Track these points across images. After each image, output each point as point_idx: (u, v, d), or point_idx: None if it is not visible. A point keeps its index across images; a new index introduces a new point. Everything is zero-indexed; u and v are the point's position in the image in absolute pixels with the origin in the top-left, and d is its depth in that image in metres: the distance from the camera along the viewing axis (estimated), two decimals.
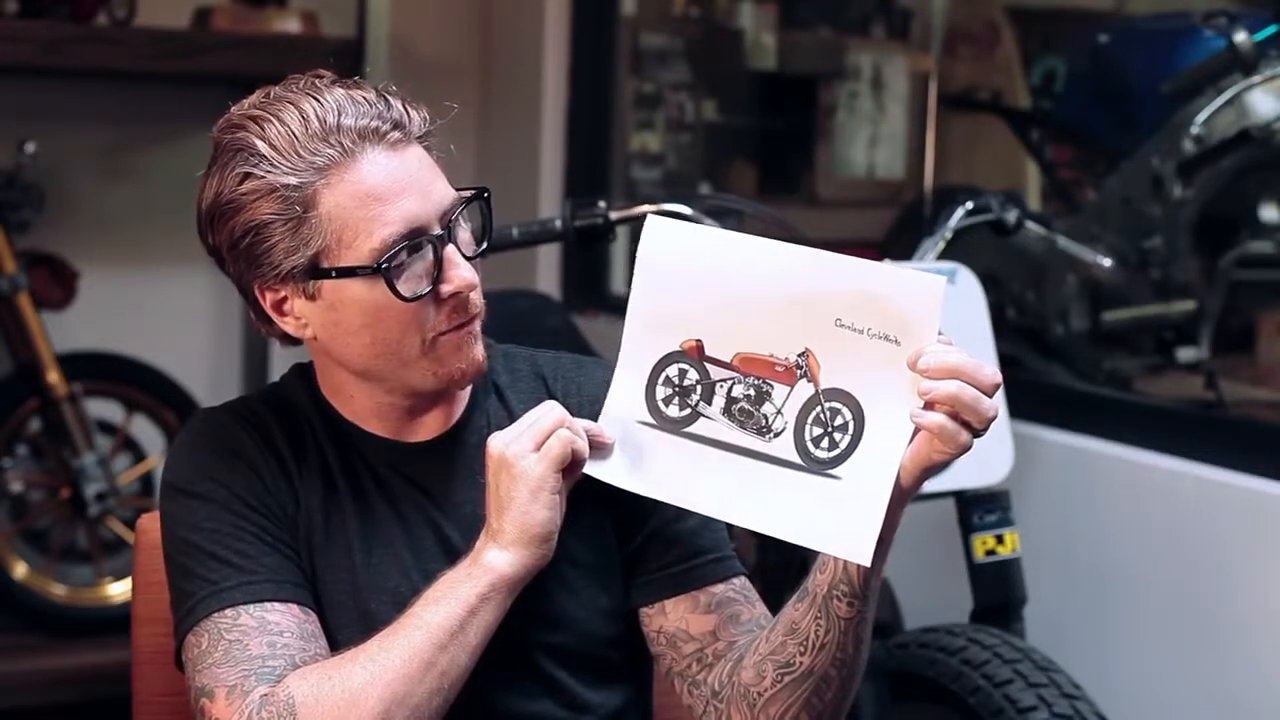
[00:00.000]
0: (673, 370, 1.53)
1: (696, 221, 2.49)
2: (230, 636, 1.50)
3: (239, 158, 1.50)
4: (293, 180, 1.49)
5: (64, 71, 3.50)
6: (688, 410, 1.53)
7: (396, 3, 3.61)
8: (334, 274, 1.51)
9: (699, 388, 1.52)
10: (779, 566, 2.53)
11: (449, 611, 1.49)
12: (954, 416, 1.38)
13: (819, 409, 1.45)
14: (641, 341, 1.55)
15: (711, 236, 1.54)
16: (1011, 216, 2.58)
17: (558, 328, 3.20)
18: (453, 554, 1.56)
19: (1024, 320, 3.36)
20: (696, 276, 1.51)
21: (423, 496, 1.61)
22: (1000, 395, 2.44)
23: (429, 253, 1.51)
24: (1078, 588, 2.75)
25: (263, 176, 1.49)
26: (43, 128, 3.54)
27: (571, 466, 1.53)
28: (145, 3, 3.48)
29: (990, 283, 2.66)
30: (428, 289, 1.51)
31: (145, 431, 3.63)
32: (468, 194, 1.56)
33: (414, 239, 1.50)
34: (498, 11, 4.03)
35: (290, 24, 3.62)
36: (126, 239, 3.77)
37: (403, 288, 1.50)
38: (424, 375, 1.56)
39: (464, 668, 1.50)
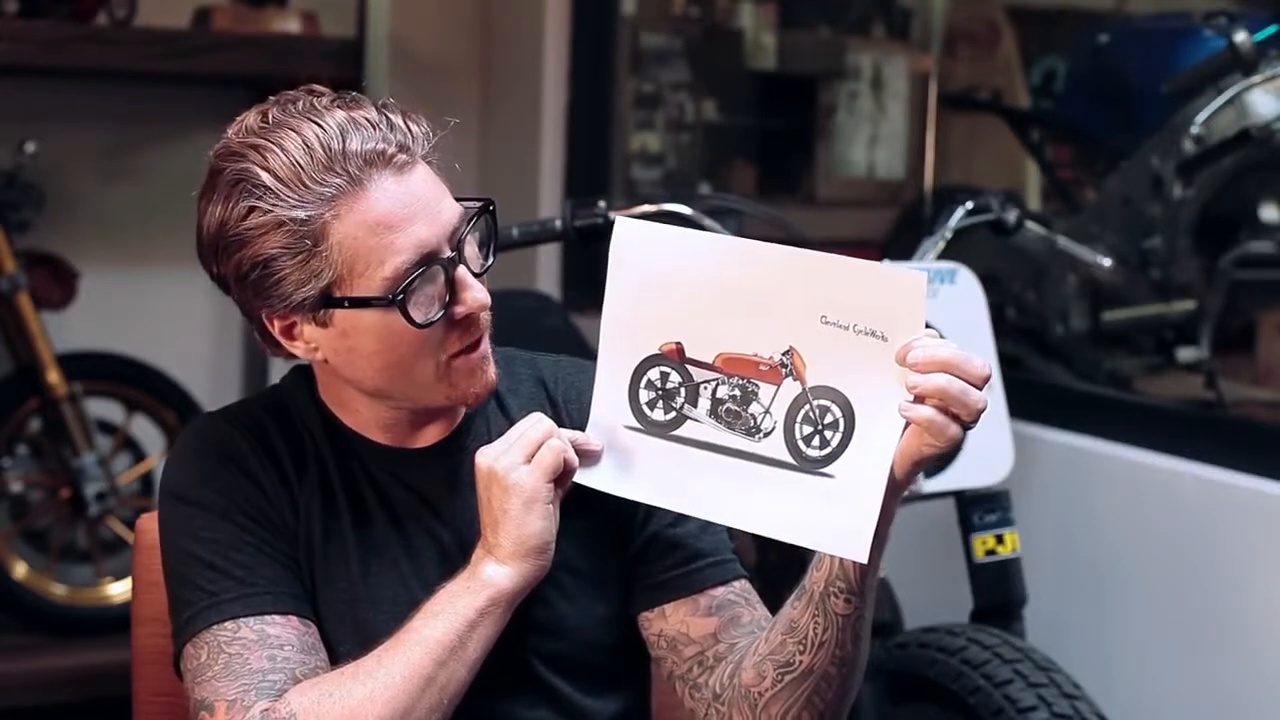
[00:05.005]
0: (654, 373, 1.53)
1: (697, 222, 2.49)
2: (230, 649, 1.50)
3: (241, 189, 1.48)
4: (301, 214, 1.46)
5: (64, 71, 3.50)
6: (673, 413, 1.52)
7: (396, 3, 3.61)
8: (346, 304, 1.49)
9: (682, 390, 1.51)
10: (779, 566, 2.53)
11: (448, 627, 1.49)
12: (943, 410, 1.38)
13: (808, 407, 1.45)
14: (619, 346, 1.54)
15: (683, 236, 1.52)
16: (1011, 216, 2.58)
17: (558, 328, 3.21)
18: (451, 562, 1.56)
19: (1024, 320, 3.36)
20: (671, 277, 1.50)
21: (421, 504, 1.60)
22: (997, 393, 2.47)
23: (440, 276, 1.50)
24: (1078, 588, 2.75)
25: (270, 210, 1.46)
26: (43, 128, 3.54)
27: (562, 476, 1.52)
28: (145, 3, 3.48)
29: (990, 283, 2.66)
30: (440, 313, 1.50)
31: (145, 431, 3.63)
32: (473, 207, 1.55)
33: (426, 265, 1.49)
34: (498, 11, 4.03)
35: (290, 24, 3.62)
36: (126, 239, 3.77)
37: (415, 313, 1.49)
38: (438, 396, 1.56)
39: (463, 682, 1.50)
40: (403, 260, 1.48)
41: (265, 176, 1.47)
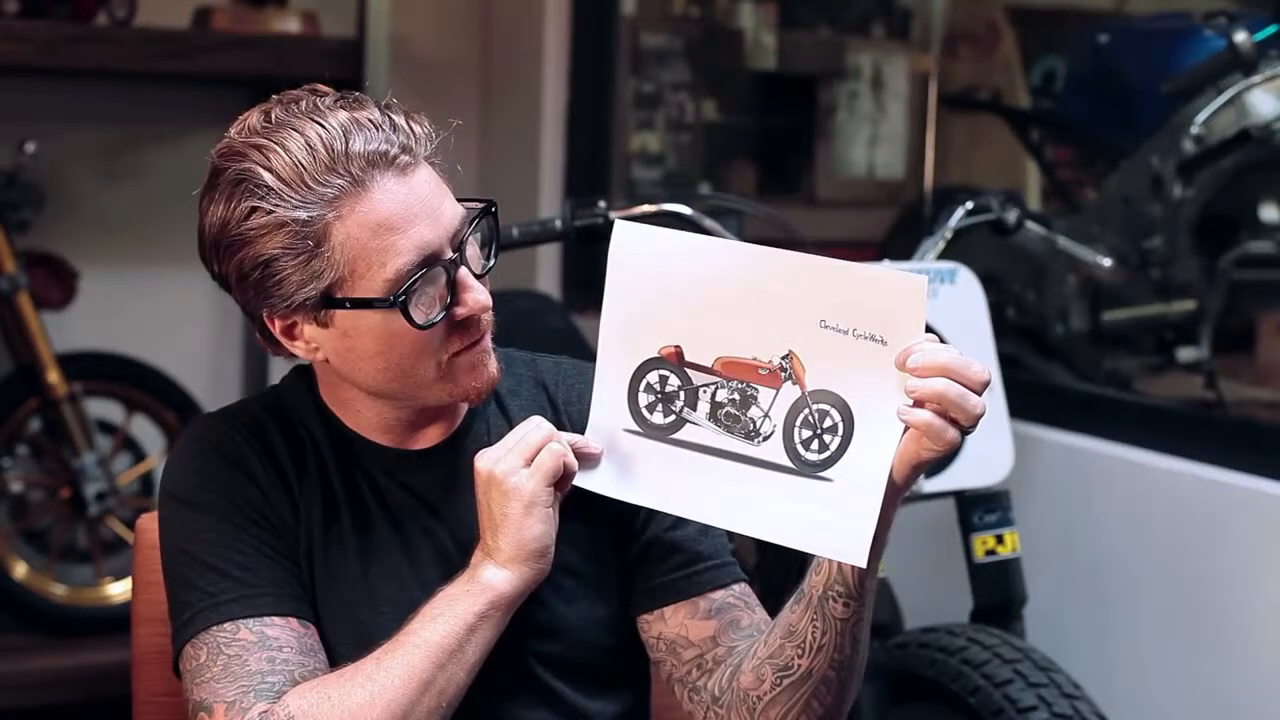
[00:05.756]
0: (653, 377, 1.53)
1: (697, 222, 2.49)
2: (229, 651, 1.50)
3: (243, 189, 1.47)
4: (303, 214, 1.46)
5: (64, 71, 3.50)
6: (673, 417, 1.52)
7: (396, 3, 3.61)
8: (348, 304, 1.49)
9: (682, 394, 1.51)
10: (779, 569, 2.52)
11: (447, 630, 1.49)
12: (941, 414, 1.37)
13: (807, 411, 1.45)
14: (618, 349, 1.54)
15: (682, 240, 1.52)
16: (1011, 216, 2.58)
17: (558, 328, 3.21)
18: (450, 564, 1.56)
19: (1024, 320, 3.36)
20: (670, 281, 1.50)
21: (420, 506, 1.60)
22: (997, 394, 2.46)
23: (441, 277, 1.50)
24: (1078, 588, 2.75)
25: (272, 211, 1.46)
26: (43, 128, 3.54)
27: (562, 480, 1.52)
28: (145, 3, 3.48)
29: (990, 283, 2.66)
30: (441, 314, 1.50)
31: (145, 431, 3.63)
32: (475, 208, 1.55)
33: (428, 266, 1.49)
34: (498, 11, 4.03)
35: (290, 24, 3.62)
36: (126, 239, 3.77)
37: (417, 315, 1.49)
38: (440, 395, 1.56)
39: (462, 685, 1.50)
40: (404, 261, 1.48)
41: (267, 176, 1.46)
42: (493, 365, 1.56)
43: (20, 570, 3.46)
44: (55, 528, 3.55)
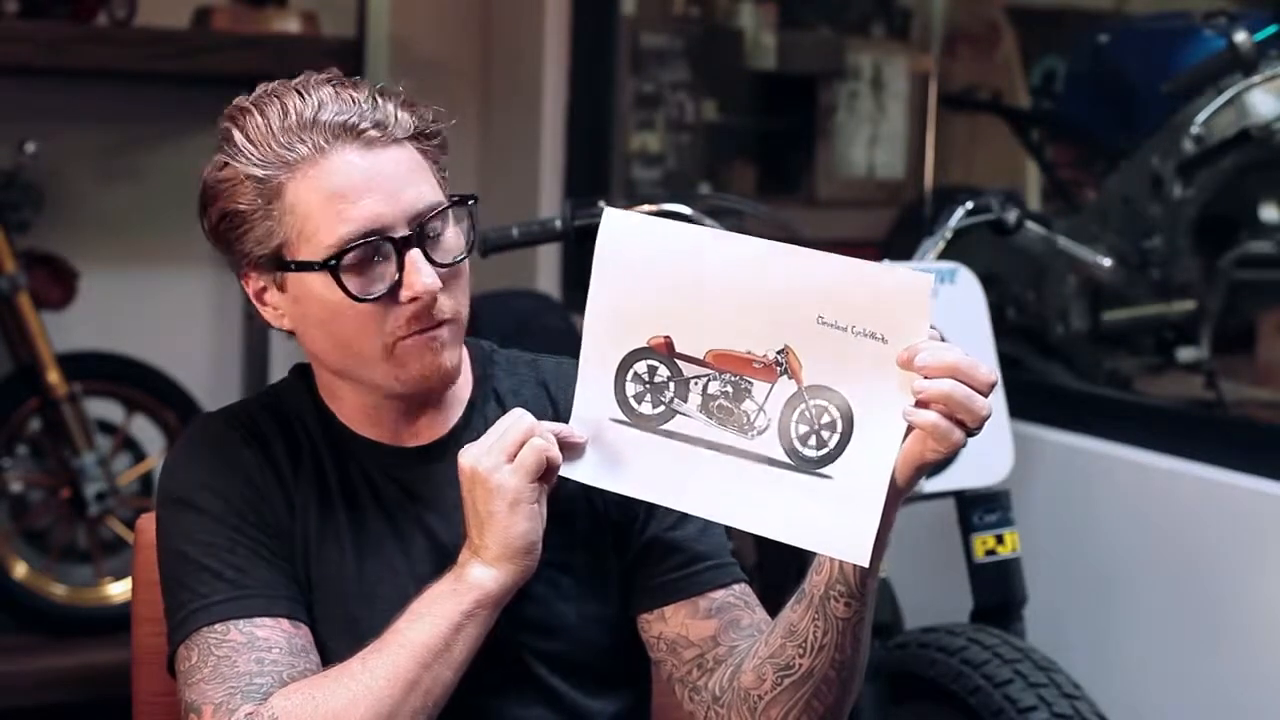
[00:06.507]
0: (641, 367, 1.50)
1: (697, 221, 2.49)
2: (219, 652, 1.50)
3: (224, 145, 1.54)
4: (258, 172, 1.51)
5: (64, 71, 3.50)
6: (662, 407, 1.50)
7: (396, 3, 3.61)
8: (293, 267, 1.52)
9: (671, 384, 1.49)
10: (778, 568, 2.53)
11: (433, 629, 1.48)
12: (947, 415, 1.36)
13: (804, 407, 1.43)
14: (604, 339, 1.51)
15: (673, 230, 1.50)
16: (1011, 216, 2.58)
17: (558, 328, 3.21)
18: (446, 560, 1.55)
19: (1024, 320, 3.36)
20: (660, 271, 1.48)
21: (416, 503, 1.60)
22: (998, 394, 2.46)
23: (391, 255, 1.51)
24: (1078, 588, 2.75)
25: (237, 166, 1.52)
26: (43, 128, 3.54)
27: (547, 473, 1.51)
28: (145, 3, 3.48)
29: (990, 283, 2.66)
30: (382, 292, 1.50)
31: (145, 431, 3.63)
32: (452, 199, 1.55)
33: (373, 239, 1.49)
34: (498, 11, 4.03)
35: (290, 24, 3.63)
36: (126, 239, 3.77)
37: (353, 285, 1.49)
38: (387, 378, 1.55)
39: (449, 684, 1.50)
40: (349, 230, 1.49)
41: (238, 136, 1.53)
42: (448, 358, 1.54)
43: (20, 570, 3.47)
44: (55, 528, 3.55)
